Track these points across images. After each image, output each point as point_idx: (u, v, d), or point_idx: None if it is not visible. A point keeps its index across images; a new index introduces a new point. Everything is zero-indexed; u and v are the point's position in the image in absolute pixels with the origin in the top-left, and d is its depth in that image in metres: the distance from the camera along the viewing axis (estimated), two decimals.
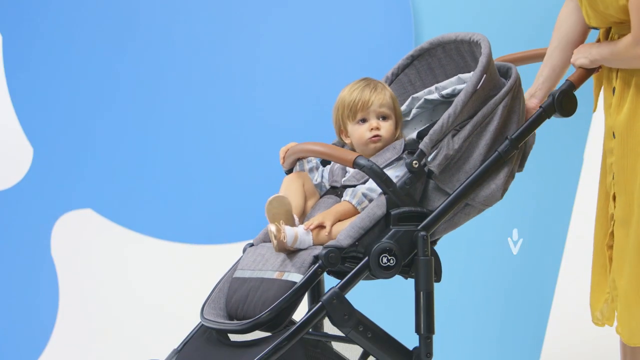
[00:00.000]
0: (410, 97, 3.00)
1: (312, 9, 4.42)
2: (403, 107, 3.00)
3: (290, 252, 2.72)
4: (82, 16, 4.54)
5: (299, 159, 2.96)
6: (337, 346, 3.05)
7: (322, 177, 2.95)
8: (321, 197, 2.93)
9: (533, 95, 2.93)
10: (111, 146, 4.53)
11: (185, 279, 4.47)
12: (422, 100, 2.98)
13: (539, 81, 2.94)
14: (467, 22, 4.31)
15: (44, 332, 4.52)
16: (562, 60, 2.94)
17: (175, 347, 2.89)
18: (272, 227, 2.68)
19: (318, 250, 2.66)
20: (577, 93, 2.87)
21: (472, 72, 2.82)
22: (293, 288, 2.61)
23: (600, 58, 2.82)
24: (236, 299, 2.78)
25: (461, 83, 2.91)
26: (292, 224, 2.75)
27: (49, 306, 4.53)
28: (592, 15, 2.80)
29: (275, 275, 2.70)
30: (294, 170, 2.96)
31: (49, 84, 4.55)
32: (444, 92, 2.93)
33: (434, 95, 2.95)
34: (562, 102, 2.81)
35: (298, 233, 2.70)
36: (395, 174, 2.75)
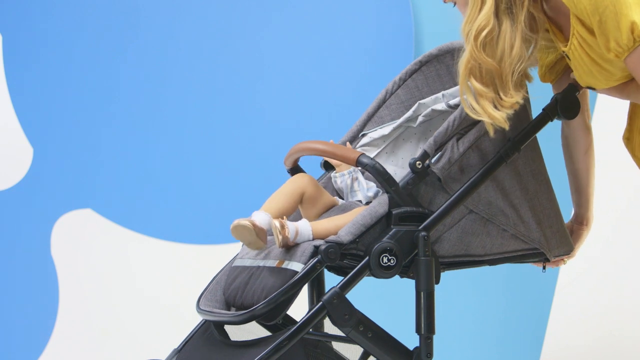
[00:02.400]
0: (417, 103, 3.00)
1: (312, 10, 4.43)
2: (409, 113, 3.00)
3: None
4: (82, 16, 4.55)
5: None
6: (338, 346, 3.05)
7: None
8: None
9: (576, 221, 3.04)
10: (111, 146, 4.53)
11: (186, 279, 4.47)
12: (429, 109, 2.97)
13: (574, 206, 3.04)
14: None
15: (44, 332, 4.52)
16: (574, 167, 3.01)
17: (176, 347, 2.89)
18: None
19: (319, 241, 2.66)
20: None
21: None
22: (290, 281, 2.61)
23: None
24: (235, 286, 2.79)
25: None
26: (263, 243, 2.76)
27: (49, 306, 4.53)
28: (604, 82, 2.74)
29: (275, 263, 2.70)
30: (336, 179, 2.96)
31: (49, 84, 4.55)
32: (452, 102, 2.93)
33: (442, 106, 2.95)
34: (565, 105, 2.81)
35: (299, 227, 2.70)
36: None
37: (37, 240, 4.55)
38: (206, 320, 2.88)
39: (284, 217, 2.74)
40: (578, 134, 2.98)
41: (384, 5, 4.38)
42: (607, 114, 4.26)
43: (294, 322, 2.68)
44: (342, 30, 4.40)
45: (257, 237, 2.72)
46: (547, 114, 2.81)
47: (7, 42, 4.59)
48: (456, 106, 2.91)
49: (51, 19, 4.56)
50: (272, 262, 2.73)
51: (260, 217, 2.76)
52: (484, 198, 2.75)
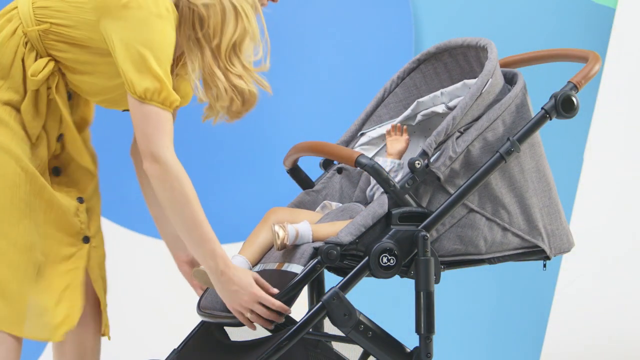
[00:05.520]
0: (416, 102, 3.00)
1: (312, 10, 4.43)
2: (408, 112, 3.00)
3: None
4: None
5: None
6: (337, 346, 3.05)
7: None
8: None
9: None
10: (111, 146, 4.53)
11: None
12: (429, 110, 2.97)
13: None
14: (467, 24, 4.32)
15: None
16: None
17: (175, 347, 2.89)
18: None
19: (318, 242, 2.66)
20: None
21: (477, 78, 2.82)
22: (290, 283, 2.61)
23: None
24: None
25: (467, 90, 2.91)
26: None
27: None
28: None
29: (275, 266, 2.70)
30: None
31: None
32: (450, 103, 2.93)
33: (441, 108, 2.95)
34: (564, 104, 2.81)
35: (299, 230, 2.70)
36: None
37: None
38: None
39: (286, 222, 2.73)
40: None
41: (384, 5, 4.38)
42: (607, 111, 4.26)
43: (294, 322, 2.68)
44: (342, 30, 4.40)
45: None
46: (547, 113, 2.80)
47: None
48: (455, 107, 2.91)
49: None
50: (271, 265, 2.73)
51: (237, 262, 2.75)
52: (486, 194, 2.75)
